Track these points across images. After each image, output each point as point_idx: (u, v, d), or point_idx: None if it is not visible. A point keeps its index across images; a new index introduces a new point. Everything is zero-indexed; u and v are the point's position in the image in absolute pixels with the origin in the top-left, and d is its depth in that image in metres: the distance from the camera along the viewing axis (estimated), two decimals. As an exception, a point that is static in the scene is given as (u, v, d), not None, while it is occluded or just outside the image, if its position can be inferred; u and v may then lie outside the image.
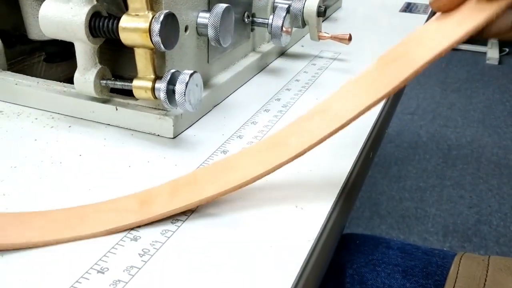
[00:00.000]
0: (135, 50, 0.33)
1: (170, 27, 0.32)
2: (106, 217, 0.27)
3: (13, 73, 0.42)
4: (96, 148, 0.35)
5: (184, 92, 0.32)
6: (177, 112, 0.36)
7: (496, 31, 0.28)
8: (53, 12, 0.34)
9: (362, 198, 1.53)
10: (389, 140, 1.95)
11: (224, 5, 0.37)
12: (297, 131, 0.30)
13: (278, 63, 0.52)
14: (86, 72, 0.35)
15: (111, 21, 0.33)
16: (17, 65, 0.46)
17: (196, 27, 0.38)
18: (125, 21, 0.32)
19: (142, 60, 0.34)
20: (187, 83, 0.32)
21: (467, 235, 1.38)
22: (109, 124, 0.38)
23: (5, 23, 0.45)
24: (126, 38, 0.32)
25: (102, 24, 0.33)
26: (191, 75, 0.33)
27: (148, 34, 0.31)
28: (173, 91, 0.33)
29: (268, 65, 0.51)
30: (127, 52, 0.47)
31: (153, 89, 0.34)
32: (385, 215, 1.46)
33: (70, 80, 0.41)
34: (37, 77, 0.42)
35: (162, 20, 0.31)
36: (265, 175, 0.28)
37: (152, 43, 0.32)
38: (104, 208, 0.28)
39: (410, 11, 0.72)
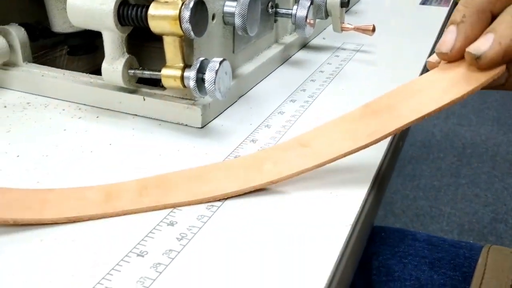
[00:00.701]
0: (164, 39, 0.33)
1: (200, 14, 0.32)
2: (69, 204, 0.27)
3: (38, 65, 0.42)
4: (125, 138, 0.35)
5: (214, 80, 0.32)
6: (205, 102, 0.36)
7: (488, 87, 0.29)
8: (81, 1, 0.34)
9: (376, 197, 1.52)
10: (402, 138, 1.94)
11: (251, -6, 0.37)
12: (273, 157, 0.30)
13: (301, 55, 0.51)
14: (114, 62, 0.35)
15: (140, 9, 0.33)
16: (39, 59, 0.46)
17: (223, 16, 0.37)
18: (154, 9, 0.32)
19: (171, 49, 0.33)
20: (217, 71, 0.32)
21: (483, 234, 1.37)
22: (136, 115, 0.38)
23: (28, 17, 0.45)
24: (155, 26, 0.32)
25: (131, 12, 0.33)
26: (221, 62, 0.33)
27: (178, 21, 0.31)
28: (203, 79, 0.33)
29: (290, 57, 0.51)
30: (149, 46, 0.47)
31: (182, 77, 0.33)
32: (399, 214, 1.45)
33: (92, 74, 0.41)
34: (59, 71, 0.42)
35: (192, 7, 0.31)
36: (237, 194, 0.28)
37: (182, 30, 0.32)
38: (68, 195, 0.27)
39: (430, 3, 0.72)
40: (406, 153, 1.81)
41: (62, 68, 0.42)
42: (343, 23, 0.51)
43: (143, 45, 0.45)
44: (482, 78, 0.27)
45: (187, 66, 0.34)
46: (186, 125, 0.36)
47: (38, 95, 0.41)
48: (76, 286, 0.22)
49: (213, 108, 0.37)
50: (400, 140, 0.38)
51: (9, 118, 0.37)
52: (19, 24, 0.42)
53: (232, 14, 0.37)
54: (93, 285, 0.22)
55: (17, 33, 0.41)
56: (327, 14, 0.49)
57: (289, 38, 0.50)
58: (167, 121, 0.37)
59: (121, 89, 0.38)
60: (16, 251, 0.24)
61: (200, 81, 0.33)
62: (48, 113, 0.38)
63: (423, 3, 0.72)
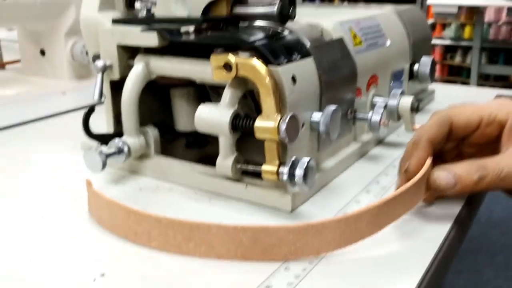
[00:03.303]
0: (265, 142, 0.44)
1: (293, 126, 0.42)
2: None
3: (166, 157, 0.54)
4: (232, 218, 0.44)
5: (303, 176, 0.42)
6: (295, 191, 0.45)
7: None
8: (206, 114, 0.45)
9: None
10: (493, 224, 1.88)
11: (333, 107, 0.47)
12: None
13: (377, 150, 0.60)
14: (226, 158, 0.46)
15: (248, 120, 0.44)
16: (162, 150, 0.58)
17: (310, 124, 0.47)
18: (259, 122, 0.43)
19: (270, 150, 0.44)
20: (305, 168, 0.42)
21: None
22: (240, 199, 0.48)
23: (157, 117, 0.58)
24: (259, 134, 0.43)
25: (242, 123, 0.44)
26: (308, 162, 0.42)
27: (276, 131, 0.42)
28: (294, 175, 0.42)
29: (367, 152, 0.59)
30: (252, 140, 0.58)
31: (277, 172, 0.43)
32: (490, 306, 1.40)
33: (201, 161, 0.52)
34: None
35: (287, 121, 0.41)
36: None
37: (279, 138, 0.42)
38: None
39: (502, 103, 0.78)
40: (498, 241, 1.76)
41: (179, 156, 0.54)
42: (414, 124, 0.59)
43: (248, 139, 0.56)
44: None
45: (282, 163, 0.44)
46: (279, 209, 0.46)
47: (165, 180, 0.52)
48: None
49: (301, 196, 0.46)
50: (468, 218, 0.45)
51: (144, 199, 0.49)
52: (153, 124, 0.55)
53: (317, 123, 0.47)
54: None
55: (152, 132, 0.54)
56: (399, 117, 0.58)
57: (366, 136, 0.59)
58: (264, 205, 0.46)
59: (229, 178, 0.48)
60: (159, 297, 0.33)
61: (291, 176, 0.42)
62: (172, 195, 0.49)
63: (495, 101, 0.78)
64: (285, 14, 0.47)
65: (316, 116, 0.47)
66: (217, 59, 0.43)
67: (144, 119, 0.54)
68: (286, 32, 0.48)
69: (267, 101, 0.42)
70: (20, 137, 0.67)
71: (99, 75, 0.52)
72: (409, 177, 0.42)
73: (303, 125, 0.46)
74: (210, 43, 0.46)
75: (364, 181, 0.51)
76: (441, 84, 0.94)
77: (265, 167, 0.44)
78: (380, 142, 0.62)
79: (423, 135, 0.44)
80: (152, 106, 0.56)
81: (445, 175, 0.42)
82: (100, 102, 0.54)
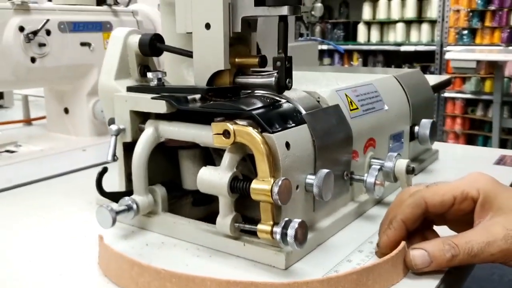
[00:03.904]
0: (261, 203, 0.47)
1: (285, 188, 0.46)
2: None
3: (172, 214, 0.58)
4: (230, 274, 0.47)
5: (294, 236, 0.45)
6: (288, 249, 0.48)
7: None
8: (207, 176, 0.49)
9: None
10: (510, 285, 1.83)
11: (326, 171, 0.50)
12: None
13: (375, 210, 0.62)
14: (225, 217, 0.49)
15: (245, 183, 0.47)
16: (170, 206, 0.62)
17: (305, 186, 0.51)
18: (254, 184, 0.46)
19: (265, 210, 0.47)
20: (296, 229, 0.45)
21: None
22: (238, 256, 0.50)
23: (165, 176, 0.62)
24: (255, 196, 0.46)
25: (239, 185, 0.48)
26: (300, 223, 0.45)
27: (270, 194, 0.45)
28: (286, 234, 0.45)
29: (365, 212, 0.61)
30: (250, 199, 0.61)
31: (271, 232, 0.46)
32: None
33: (207, 217, 0.55)
34: (183, 215, 0.57)
35: (280, 185, 0.45)
36: None
37: (272, 200, 0.45)
38: None
39: (504, 164, 0.80)
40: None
41: (186, 213, 0.57)
42: (411, 185, 0.61)
43: (246, 198, 0.60)
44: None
45: (276, 223, 0.47)
46: (274, 266, 0.48)
47: (170, 236, 0.56)
48: None
49: (295, 254, 0.49)
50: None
51: (149, 254, 0.52)
52: (161, 183, 0.59)
53: (311, 185, 0.50)
54: None
55: (160, 191, 0.58)
56: (395, 179, 0.61)
57: (364, 196, 0.62)
58: (260, 262, 0.49)
59: (228, 236, 0.51)
60: None
61: (284, 235, 0.45)
62: (176, 251, 0.52)
63: (497, 163, 0.80)
64: (282, 85, 0.52)
65: (310, 178, 0.50)
66: (217, 126, 0.47)
67: (153, 178, 0.58)
68: (283, 101, 0.53)
69: (262, 166, 0.46)
70: (43, 191, 0.72)
71: (113, 138, 0.56)
72: (381, 253, 0.46)
73: (297, 187, 0.50)
74: (212, 111, 0.51)
75: (358, 240, 0.54)
76: (445, 144, 0.97)
77: (260, 227, 0.47)
78: (379, 202, 0.65)
79: (398, 215, 0.47)
80: (161, 166, 0.60)
81: (420, 254, 0.45)
82: (113, 161, 0.59)
